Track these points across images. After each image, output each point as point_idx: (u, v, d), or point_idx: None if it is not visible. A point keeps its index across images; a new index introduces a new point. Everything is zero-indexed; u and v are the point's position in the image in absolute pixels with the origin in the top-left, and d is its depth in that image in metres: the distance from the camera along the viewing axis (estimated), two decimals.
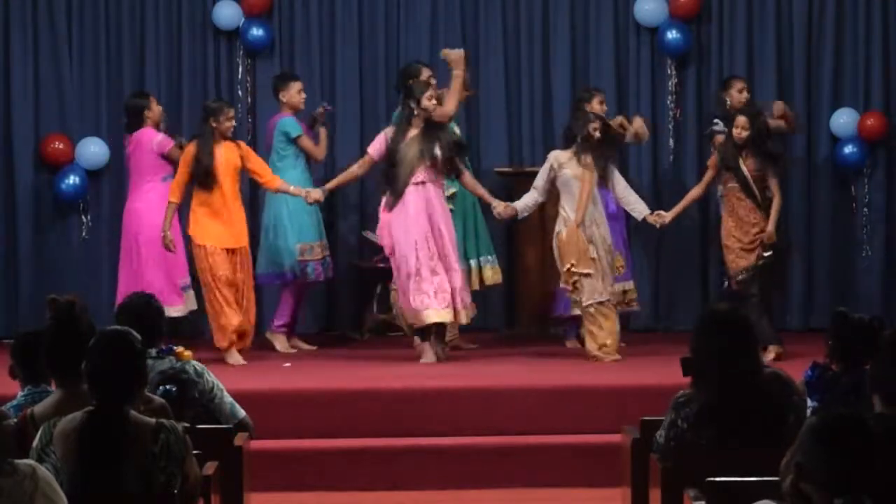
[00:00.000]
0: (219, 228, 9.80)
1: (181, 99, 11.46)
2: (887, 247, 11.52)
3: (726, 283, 10.19)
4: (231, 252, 9.81)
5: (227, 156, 9.80)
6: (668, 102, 11.56)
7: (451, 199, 10.19)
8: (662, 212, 10.04)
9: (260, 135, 11.24)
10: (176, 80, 11.49)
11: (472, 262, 10.50)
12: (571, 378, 9.01)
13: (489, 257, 10.60)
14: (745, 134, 9.71)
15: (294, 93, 10.47)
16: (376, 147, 9.79)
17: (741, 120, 9.76)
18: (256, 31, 11.39)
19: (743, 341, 5.26)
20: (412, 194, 9.60)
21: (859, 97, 11.46)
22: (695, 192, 10.13)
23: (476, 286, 10.44)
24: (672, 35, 11.38)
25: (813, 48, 11.51)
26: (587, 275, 9.63)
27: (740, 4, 11.50)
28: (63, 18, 11.39)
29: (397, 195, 9.60)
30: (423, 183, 9.63)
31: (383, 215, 9.76)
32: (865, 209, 11.50)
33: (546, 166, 9.81)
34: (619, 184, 9.90)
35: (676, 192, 10.98)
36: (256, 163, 9.95)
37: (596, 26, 11.56)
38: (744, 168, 9.73)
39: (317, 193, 9.90)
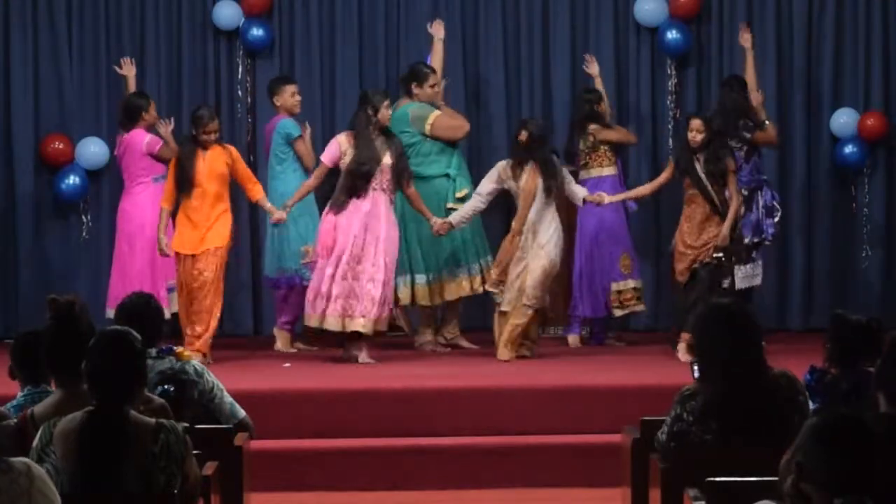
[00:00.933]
0: (191, 233, 9.74)
1: (181, 99, 11.46)
2: (887, 247, 11.52)
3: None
4: (199, 254, 9.70)
5: (211, 162, 9.75)
6: (668, 102, 11.56)
7: (463, 200, 10.21)
8: (603, 193, 10.03)
9: (260, 135, 11.24)
10: (176, 80, 11.49)
11: (483, 263, 10.47)
12: (571, 378, 9.02)
13: (490, 258, 10.61)
14: (699, 137, 9.63)
15: (287, 96, 10.44)
16: (329, 155, 9.80)
17: (696, 123, 9.66)
18: (256, 31, 11.39)
19: (746, 337, 5.27)
20: (362, 201, 9.63)
21: (859, 97, 11.46)
22: (644, 189, 10.14)
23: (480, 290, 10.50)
24: (672, 35, 11.38)
25: (813, 48, 11.52)
26: (502, 282, 9.69)
27: (740, 4, 11.50)
28: (63, 18, 11.40)
29: (347, 199, 9.62)
30: (375, 190, 9.64)
31: (328, 217, 9.76)
32: (865, 209, 11.51)
33: (493, 174, 9.85)
34: (568, 184, 9.89)
35: (676, 191, 10.95)
36: (243, 172, 9.90)
37: (596, 26, 11.56)
38: (702, 174, 9.65)
39: (279, 214, 9.88)
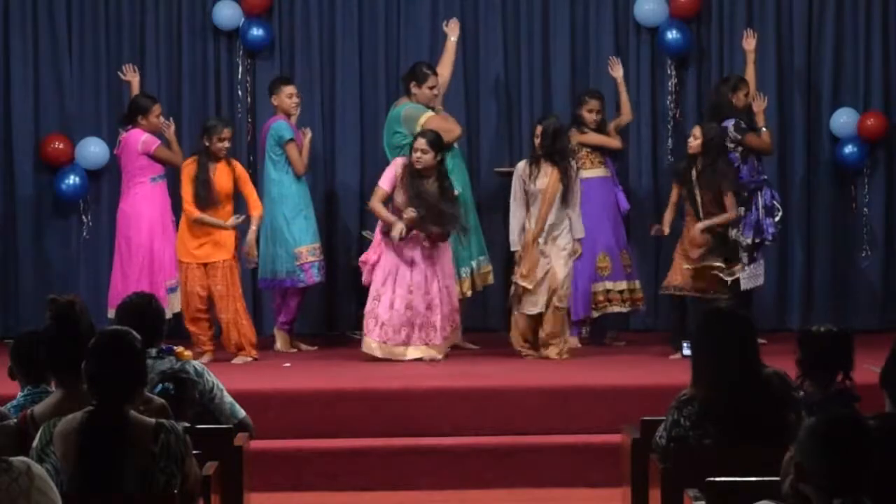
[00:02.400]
0: (196, 244, 9.84)
1: (181, 99, 11.46)
2: (887, 247, 11.52)
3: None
4: (209, 266, 9.82)
5: (219, 178, 9.85)
6: (668, 102, 11.56)
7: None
8: (661, 227, 10.00)
9: (260, 135, 11.23)
10: (176, 80, 11.49)
11: (474, 264, 10.51)
12: (571, 378, 9.01)
13: (481, 258, 10.62)
14: (695, 143, 9.62)
15: (284, 97, 10.41)
16: (388, 179, 9.80)
17: (694, 129, 9.69)
18: (256, 31, 11.38)
19: (742, 340, 5.29)
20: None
21: (859, 97, 11.46)
22: (668, 215, 10.03)
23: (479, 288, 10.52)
24: (672, 35, 11.38)
25: (813, 48, 11.52)
26: (526, 289, 9.66)
27: (740, 4, 11.50)
28: (63, 18, 11.40)
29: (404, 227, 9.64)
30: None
31: (379, 235, 9.78)
32: (865, 209, 11.50)
33: (515, 180, 9.83)
34: (574, 202, 9.81)
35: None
36: (248, 189, 10.00)
37: (596, 26, 11.56)
38: (694, 183, 9.61)
39: (250, 237, 9.99)
